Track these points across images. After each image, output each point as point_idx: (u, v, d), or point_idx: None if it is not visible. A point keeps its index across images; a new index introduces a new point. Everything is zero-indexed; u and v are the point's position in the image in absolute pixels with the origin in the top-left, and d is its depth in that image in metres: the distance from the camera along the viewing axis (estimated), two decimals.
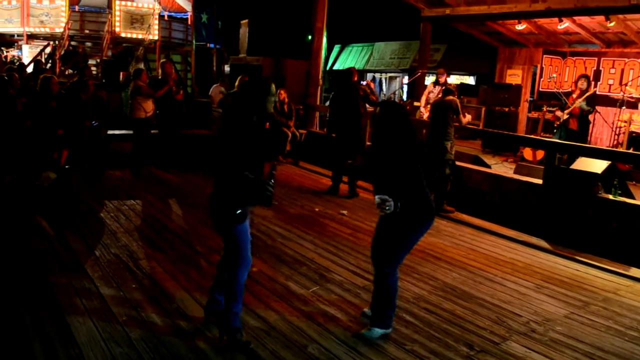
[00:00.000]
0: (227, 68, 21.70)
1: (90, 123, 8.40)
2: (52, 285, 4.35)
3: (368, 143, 8.20)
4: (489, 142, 12.04)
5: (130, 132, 9.27)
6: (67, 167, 8.20)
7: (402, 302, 4.41)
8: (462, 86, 18.81)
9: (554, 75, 12.51)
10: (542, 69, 12.97)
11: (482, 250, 6.04)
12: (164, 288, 4.45)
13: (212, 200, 3.65)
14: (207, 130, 10.57)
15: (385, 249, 3.87)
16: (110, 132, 9.41)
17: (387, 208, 3.59)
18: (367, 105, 8.09)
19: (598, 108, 10.49)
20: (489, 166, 9.55)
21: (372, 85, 9.27)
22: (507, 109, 12.58)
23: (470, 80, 22.27)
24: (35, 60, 15.19)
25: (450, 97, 7.51)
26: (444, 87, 9.60)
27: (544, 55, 12.99)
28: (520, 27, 11.99)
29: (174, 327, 3.80)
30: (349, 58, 25.30)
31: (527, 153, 10.36)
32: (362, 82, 8.70)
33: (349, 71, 8.32)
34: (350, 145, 7.94)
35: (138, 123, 8.88)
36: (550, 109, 10.72)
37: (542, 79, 12.96)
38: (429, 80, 13.91)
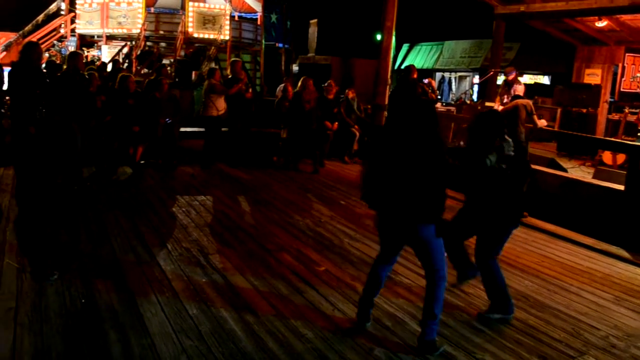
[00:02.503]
0: (295, 67, 21.90)
1: (164, 120, 8.67)
2: (126, 277, 4.50)
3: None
4: (565, 144, 11.54)
5: (202, 129, 9.50)
6: (142, 162, 8.50)
7: (473, 310, 4.30)
8: (537, 86, 18.20)
9: (638, 74, 11.85)
10: (623, 68, 12.33)
11: (556, 258, 5.78)
12: (232, 283, 4.51)
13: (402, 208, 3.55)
14: (275, 128, 10.67)
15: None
16: (182, 129, 9.67)
17: None
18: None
19: None
20: (565, 170, 9.16)
21: (433, 83, 9.08)
22: (584, 110, 12.03)
23: (545, 80, 21.50)
24: (114, 60, 15.85)
25: (523, 99, 7.27)
26: (513, 90, 9.32)
27: (626, 54, 12.35)
28: (601, 24, 11.43)
29: (242, 322, 3.84)
30: (418, 57, 24.97)
31: (607, 157, 9.85)
32: (423, 80, 8.55)
33: (408, 69, 8.22)
34: None
35: (210, 121, 9.09)
36: (634, 110, 10.16)
37: (623, 79, 12.33)
38: (502, 79, 13.51)
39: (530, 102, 7.30)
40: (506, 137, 4.03)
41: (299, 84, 9.48)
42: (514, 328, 4.04)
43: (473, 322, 4.09)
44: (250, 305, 4.12)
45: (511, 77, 10.06)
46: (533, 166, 7.85)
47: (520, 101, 7.25)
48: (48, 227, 5.70)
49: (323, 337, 3.71)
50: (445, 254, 3.76)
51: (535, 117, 7.23)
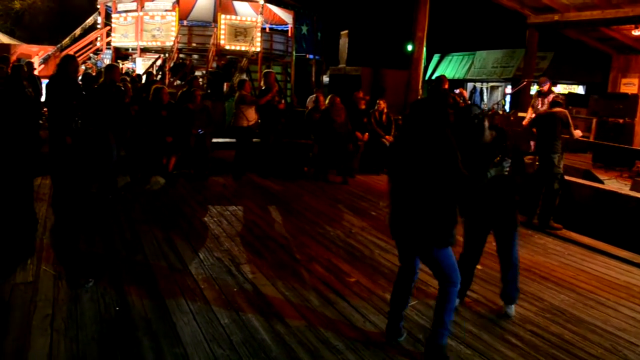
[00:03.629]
0: (325, 78, 21.97)
1: (196, 131, 8.78)
2: (159, 285, 4.55)
3: None
4: (600, 155, 11.27)
5: (233, 140, 9.59)
6: (174, 172, 8.62)
7: (506, 324, 4.22)
8: (571, 96, 17.86)
9: None
10: None
11: (592, 272, 5.64)
12: (263, 293, 4.52)
13: (410, 220, 3.55)
14: (306, 139, 10.72)
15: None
16: (214, 140, 9.78)
17: None
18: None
19: None
20: (601, 181, 8.95)
21: (464, 93, 9.01)
22: (621, 121, 11.74)
23: (579, 89, 21.11)
24: (148, 72, 16.16)
25: (559, 109, 7.13)
26: (550, 97, 9.16)
27: None
28: (638, 32, 11.21)
29: (273, 332, 3.84)
30: (449, 67, 24.81)
31: None
32: (454, 90, 8.49)
33: (439, 79, 8.17)
34: None
35: (241, 131, 9.17)
36: None
37: None
38: (535, 89, 13.31)
39: (566, 112, 7.15)
40: (506, 157, 4.02)
41: (327, 101, 9.51)
42: (549, 343, 3.95)
43: (507, 336, 4.01)
44: (281, 315, 4.12)
45: (545, 87, 9.89)
46: (568, 178, 7.72)
47: (556, 111, 7.11)
48: (83, 235, 5.81)
49: (354, 348, 3.68)
50: None
51: (571, 128, 7.09)
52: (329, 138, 9.29)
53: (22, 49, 19.92)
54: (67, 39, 20.21)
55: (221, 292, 4.49)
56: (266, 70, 10.07)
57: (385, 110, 10.56)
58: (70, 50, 18.75)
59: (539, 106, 9.80)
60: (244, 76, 16.77)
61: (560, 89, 20.29)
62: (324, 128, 9.33)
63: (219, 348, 3.58)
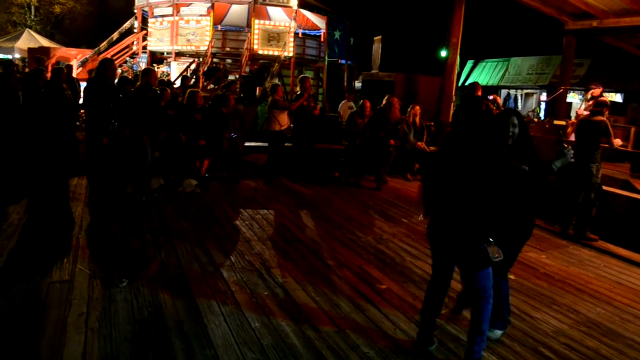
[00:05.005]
0: (357, 84, 21.94)
1: (229, 135, 8.86)
2: (191, 286, 4.59)
3: None
4: (639, 165, 11.00)
5: (265, 144, 9.65)
6: (207, 175, 8.71)
7: (540, 336, 4.14)
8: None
9: None
10: None
11: (630, 285, 5.49)
12: (294, 297, 4.53)
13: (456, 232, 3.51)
14: (337, 144, 10.72)
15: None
16: (246, 144, 9.85)
17: None
18: None
19: None
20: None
21: (498, 99, 8.89)
22: None
23: (617, 97, 20.66)
24: (182, 76, 16.38)
25: (600, 117, 6.97)
26: (596, 102, 9.00)
27: None
28: None
29: (303, 337, 3.84)
30: (483, 73, 24.54)
31: None
32: (488, 96, 8.39)
33: (472, 86, 8.09)
34: None
35: (273, 135, 9.22)
36: None
37: None
38: (571, 97, 13.07)
39: (606, 121, 6.97)
40: (566, 145, 3.90)
41: (384, 101, 9.48)
42: (585, 357, 3.86)
43: (541, 348, 3.93)
44: (311, 320, 4.12)
45: (598, 92, 9.74)
46: (605, 188, 7.54)
47: (597, 118, 6.95)
48: (118, 235, 5.90)
49: (384, 356, 3.66)
50: None
51: (611, 137, 6.92)
52: (374, 140, 9.24)
53: (62, 52, 20.44)
54: (105, 42, 20.65)
55: (252, 295, 4.51)
56: (302, 75, 10.11)
57: (419, 116, 10.50)
58: (108, 54, 19.14)
59: (584, 110, 9.65)
60: (276, 81, 16.87)
61: None
62: (377, 127, 9.26)
63: (249, 351, 3.59)
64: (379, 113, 9.42)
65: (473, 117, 3.50)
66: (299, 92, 9.40)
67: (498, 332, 4.05)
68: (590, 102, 9.66)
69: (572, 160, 3.77)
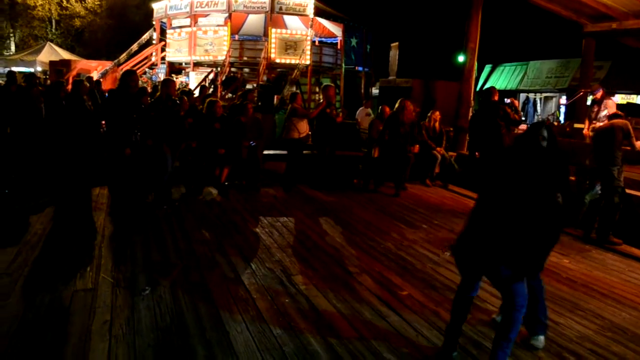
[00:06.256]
0: (374, 90, 21.95)
1: (248, 143, 8.92)
2: (212, 294, 4.62)
3: None
4: None
5: (284, 152, 9.68)
6: (226, 183, 8.77)
7: (564, 341, 4.08)
8: (629, 106, 17.26)
9: None
10: None
11: None
12: (315, 305, 4.52)
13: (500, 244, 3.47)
14: (356, 151, 10.73)
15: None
16: (265, 152, 9.90)
17: None
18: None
19: None
20: None
21: (516, 103, 8.83)
22: None
23: (638, 99, 20.38)
24: (201, 86, 16.54)
25: (619, 120, 6.89)
26: (607, 105, 8.90)
27: None
28: None
29: (325, 344, 3.83)
30: (501, 78, 24.38)
31: None
32: (505, 100, 8.35)
33: (489, 90, 8.06)
34: None
35: (292, 143, 9.26)
36: None
37: None
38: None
39: (627, 122, 6.89)
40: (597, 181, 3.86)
41: (397, 105, 9.47)
42: None
43: (565, 354, 3.88)
44: (333, 327, 4.11)
45: (599, 94, 9.60)
46: (629, 191, 7.42)
47: (616, 121, 6.87)
48: (140, 244, 5.96)
49: None
50: None
51: (633, 139, 6.83)
52: (392, 144, 9.21)
53: (82, 64, 20.77)
54: (124, 54, 20.96)
55: (273, 302, 4.52)
56: (325, 84, 10.15)
57: (438, 121, 10.47)
58: (127, 66, 19.41)
59: (594, 115, 9.53)
60: (294, 89, 16.95)
61: (619, 98, 19.61)
62: (389, 131, 9.24)
63: (271, 358, 3.59)
64: (392, 116, 9.41)
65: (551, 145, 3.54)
66: (321, 100, 9.42)
67: (542, 338, 3.99)
68: (595, 107, 9.53)
69: (599, 194, 3.74)
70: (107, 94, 8.55)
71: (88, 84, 10.40)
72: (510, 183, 3.47)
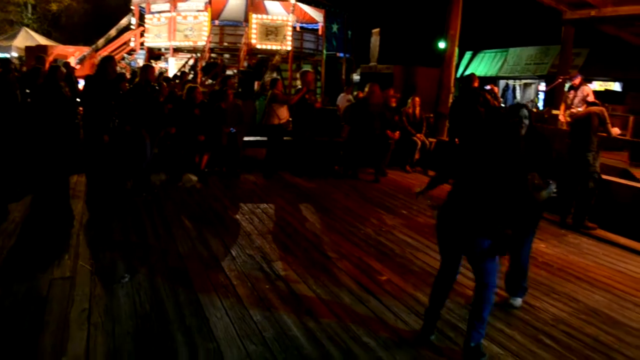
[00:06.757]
0: (355, 77, 21.92)
1: (228, 130, 8.87)
2: (192, 281, 4.61)
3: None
4: (638, 154, 11.00)
5: (264, 138, 9.65)
6: (206, 170, 8.73)
7: (539, 324, 4.17)
8: (607, 93, 17.47)
9: None
10: None
11: (629, 273, 5.52)
12: (295, 290, 4.55)
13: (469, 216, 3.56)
14: (336, 137, 10.73)
15: None
16: (245, 138, 9.86)
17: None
18: None
19: None
20: (639, 181, 8.72)
21: (495, 89, 8.89)
22: None
23: (616, 86, 20.63)
24: (181, 72, 16.37)
25: (596, 107, 7.00)
26: (583, 91, 9.02)
27: None
28: None
29: (304, 329, 3.87)
30: (481, 65, 24.50)
31: None
32: (485, 86, 8.37)
33: (470, 77, 8.09)
34: None
35: (272, 129, 9.22)
36: None
37: None
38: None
39: (603, 109, 7.00)
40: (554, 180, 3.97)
41: (366, 89, 9.47)
42: (584, 344, 3.89)
43: (540, 336, 3.96)
44: (312, 312, 4.15)
45: (576, 81, 9.70)
46: (604, 176, 7.55)
47: (593, 108, 6.97)
48: (118, 231, 5.92)
49: (386, 346, 3.68)
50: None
51: (609, 125, 6.93)
52: (363, 128, 9.23)
53: (59, 49, 20.39)
54: (102, 39, 20.64)
55: (253, 288, 4.53)
56: (303, 70, 10.11)
57: (418, 107, 10.50)
58: (105, 51, 19.14)
59: (570, 101, 9.64)
60: (274, 75, 16.86)
61: (596, 85, 19.85)
62: (359, 116, 9.27)
63: (251, 344, 3.61)
64: (362, 100, 9.42)
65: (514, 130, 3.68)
66: (300, 86, 9.39)
67: (519, 300, 4.37)
68: (571, 93, 9.63)
69: (555, 194, 3.86)
70: (84, 80, 8.40)
71: (65, 70, 10.21)
72: (485, 160, 3.56)
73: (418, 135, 10.38)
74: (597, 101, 7.35)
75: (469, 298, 4.46)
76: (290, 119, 9.54)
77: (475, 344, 3.56)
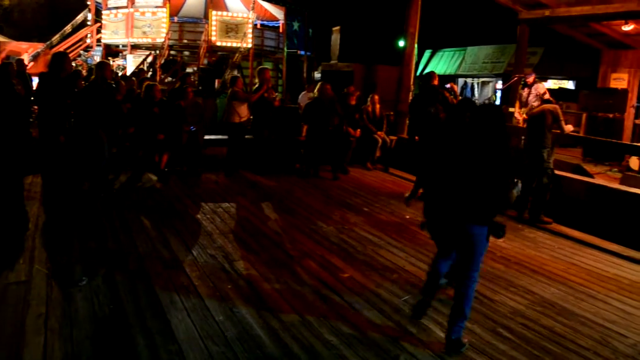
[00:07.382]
0: (317, 75, 21.96)
1: (188, 128, 8.77)
2: (153, 282, 4.55)
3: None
4: (590, 150, 11.38)
5: (225, 137, 9.58)
6: (166, 169, 8.61)
7: (498, 317, 4.26)
8: (561, 91, 17.98)
9: None
10: None
11: (583, 265, 5.70)
12: (257, 289, 4.54)
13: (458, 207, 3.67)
14: (297, 135, 10.73)
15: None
16: (206, 137, 9.77)
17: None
18: None
19: None
20: (591, 176, 9.03)
21: (455, 87, 9.04)
22: (611, 115, 11.87)
23: (569, 84, 21.25)
24: (139, 69, 16.09)
25: (551, 105, 7.20)
26: (537, 89, 9.27)
27: None
28: (628, 27, 11.31)
29: (267, 328, 3.86)
30: (440, 63, 24.87)
31: (634, 162, 9.71)
32: (445, 85, 8.51)
33: (429, 75, 8.22)
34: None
35: (233, 127, 9.15)
36: None
37: None
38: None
39: (557, 107, 7.21)
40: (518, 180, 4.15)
41: (316, 89, 9.51)
42: (541, 335, 4.00)
43: (499, 329, 4.05)
44: (275, 311, 4.14)
45: (530, 79, 9.97)
46: (558, 172, 7.77)
47: (547, 106, 7.17)
48: (76, 233, 5.79)
49: (348, 343, 3.71)
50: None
51: (562, 122, 7.14)
52: (319, 126, 9.27)
53: (12, 46, 19.80)
54: (57, 35, 20.09)
55: (215, 288, 4.50)
56: (261, 67, 10.07)
57: (378, 105, 10.58)
58: (60, 48, 18.63)
59: (524, 98, 9.90)
60: (236, 72, 16.74)
61: (551, 84, 20.40)
62: (315, 116, 9.29)
63: (213, 344, 3.59)
64: (315, 100, 9.46)
65: (497, 121, 3.71)
66: (258, 84, 9.35)
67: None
68: (525, 91, 9.90)
69: (519, 194, 4.02)
70: (38, 78, 8.18)
71: (17, 67, 9.92)
72: (469, 152, 3.67)
73: (379, 133, 10.46)
74: (551, 99, 7.56)
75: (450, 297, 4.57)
76: (251, 117, 9.49)
77: (456, 337, 3.68)
